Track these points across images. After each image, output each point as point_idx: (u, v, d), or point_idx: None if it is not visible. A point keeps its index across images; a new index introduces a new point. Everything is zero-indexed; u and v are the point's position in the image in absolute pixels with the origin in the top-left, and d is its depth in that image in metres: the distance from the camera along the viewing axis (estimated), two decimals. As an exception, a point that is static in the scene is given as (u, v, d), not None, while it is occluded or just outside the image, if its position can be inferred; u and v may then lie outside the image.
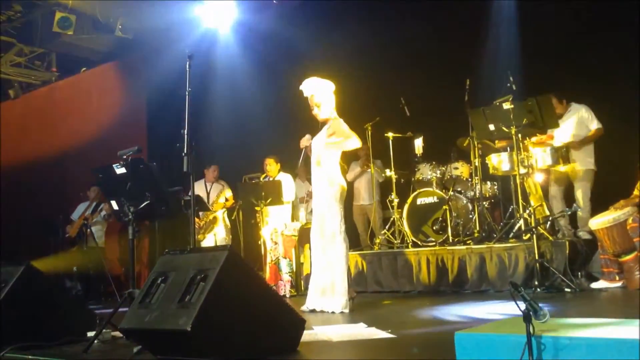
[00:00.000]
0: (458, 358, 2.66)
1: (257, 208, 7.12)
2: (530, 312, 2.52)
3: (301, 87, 5.15)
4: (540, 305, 2.61)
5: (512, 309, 2.70)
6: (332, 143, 5.04)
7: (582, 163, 6.09)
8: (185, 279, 2.98)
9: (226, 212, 8.06)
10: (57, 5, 8.98)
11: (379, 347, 3.35)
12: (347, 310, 4.92)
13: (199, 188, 8.03)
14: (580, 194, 6.13)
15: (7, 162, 10.47)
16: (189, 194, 7.35)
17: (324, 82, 5.15)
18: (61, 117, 10.91)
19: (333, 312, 4.90)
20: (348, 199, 7.72)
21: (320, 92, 5.11)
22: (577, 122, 6.13)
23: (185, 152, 3.80)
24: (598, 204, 5.83)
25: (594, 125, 6.09)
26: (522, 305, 2.49)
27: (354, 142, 5.09)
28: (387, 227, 7.39)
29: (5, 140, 10.70)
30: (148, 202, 3.78)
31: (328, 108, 5.13)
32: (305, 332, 3.48)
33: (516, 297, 2.53)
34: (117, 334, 3.68)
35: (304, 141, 5.20)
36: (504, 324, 2.83)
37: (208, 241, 7.83)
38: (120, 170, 3.84)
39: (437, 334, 3.59)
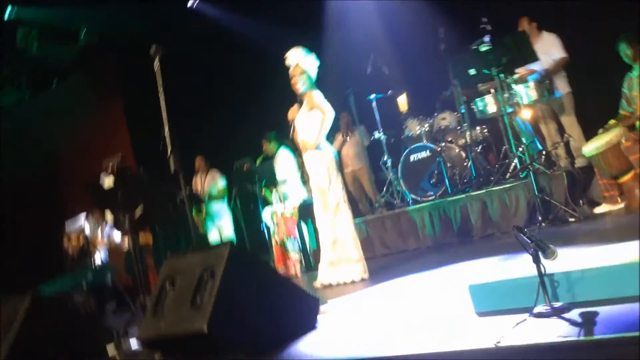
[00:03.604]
0: (476, 310, 2.67)
1: (264, 194, 7.11)
2: (539, 253, 2.53)
3: (286, 55, 5.10)
4: (547, 243, 2.62)
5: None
6: (316, 125, 5.05)
7: (561, 87, 6.06)
8: (193, 280, 2.97)
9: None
10: (17, 20, 8.75)
11: (397, 308, 3.37)
12: (366, 276, 4.96)
13: (197, 181, 8.01)
14: (568, 122, 6.11)
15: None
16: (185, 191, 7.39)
17: (310, 55, 5.11)
18: (43, 132, 10.75)
19: (353, 281, 4.93)
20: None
21: (303, 63, 5.07)
22: (560, 47, 6.08)
23: (169, 153, 3.75)
24: (589, 129, 5.80)
25: (559, 54, 6.05)
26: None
27: (330, 115, 5.08)
28: (384, 188, 7.37)
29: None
30: (142, 208, 3.74)
31: (308, 81, 5.08)
32: (322, 307, 3.51)
33: (522, 240, 2.53)
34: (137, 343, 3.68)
35: (293, 113, 5.17)
36: (513, 267, 2.83)
37: (213, 236, 7.83)
38: (108, 181, 3.79)
39: (452, 288, 3.59)
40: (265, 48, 7.18)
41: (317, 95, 5.08)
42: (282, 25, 7.74)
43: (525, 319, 2.26)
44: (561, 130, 6.21)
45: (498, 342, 2.07)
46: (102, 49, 9.67)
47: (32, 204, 10.21)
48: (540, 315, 2.31)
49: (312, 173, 5.17)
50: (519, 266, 3.20)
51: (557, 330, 2.17)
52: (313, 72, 5.11)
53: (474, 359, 2.06)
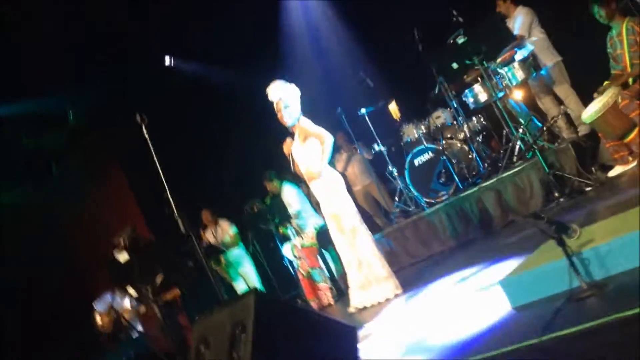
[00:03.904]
0: (513, 305, 2.61)
1: (281, 231, 7.10)
2: (562, 234, 2.48)
3: (267, 91, 5.10)
4: (567, 221, 2.57)
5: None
6: (316, 153, 5.05)
7: (548, 59, 6.03)
8: (226, 337, 2.92)
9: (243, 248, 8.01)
10: (2, 117, 8.88)
11: (436, 319, 3.31)
12: (399, 291, 4.89)
13: (208, 235, 7.99)
14: (562, 92, 6.07)
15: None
16: (202, 245, 7.38)
17: (290, 85, 5.10)
18: (52, 220, 10.79)
19: (387, 300, 4.86)
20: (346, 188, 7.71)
21: (286, 96, 5.06)
22: (521, 24, 6.06)
23: (175, 214, 3.74)
24: (589, 95, 5.74)
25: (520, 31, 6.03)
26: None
27: (329, 140, 5.06)
28: (396, 198, 7.32)
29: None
30: (162, 276, 3.72)
31: (295, 112, 5.08)
32: (360, 333, 3.45)
33: (542, 226, 2.48)
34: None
35: (288, 146, 5.15)
36: (539, 254, 2.78)
37: (240, 286, 7.80)
38: (123, 257, 3.79)
39: (484, 286, 3.53)
40: (245, 89, 7.25)
41: (308, 124, 5.07)
42: (255, 63, 7.85)
43: (562, 309, 2.20)
44: (559, 101, 6.17)
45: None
46: (93, 125, 9.77)
47: (57, 294, 10.17)
48: (578, 298, 2.25)
49: (322, 200, 5.15)
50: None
51: (598, 309, 2.11)
52: (297, 102, 5.09)
53: (519, 358, 2.00)
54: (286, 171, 5.43)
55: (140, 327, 8.39)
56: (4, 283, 9.65)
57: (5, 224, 10.31)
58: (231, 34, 8.57)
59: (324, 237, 7.06)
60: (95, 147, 10.53)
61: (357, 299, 5.06)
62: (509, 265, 3.70)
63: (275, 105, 5.09)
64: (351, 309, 5.10)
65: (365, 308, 4.99)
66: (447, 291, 4.01)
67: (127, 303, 8.26)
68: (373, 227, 7.65)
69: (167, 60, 9.23)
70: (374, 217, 8.25)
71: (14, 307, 9.67)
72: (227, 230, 7.94)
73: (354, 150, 7.84)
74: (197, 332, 3.17)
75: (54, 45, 7.91)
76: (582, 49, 6.13)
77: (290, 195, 7.19)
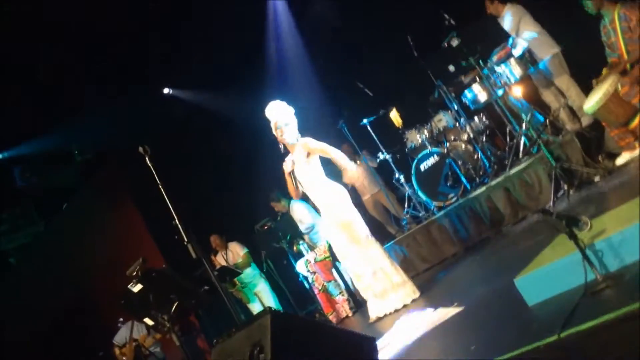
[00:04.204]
0: (530, 303, 2.59)
1: (295, 248, 7.11)
2: (572, 228, 2.45)
3: (266, 112, 5.12)
4: (577, 214, 2.55)
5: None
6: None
7: (545, 52, 6.00)
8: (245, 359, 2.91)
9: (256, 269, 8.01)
10: (11, 160, 8.99)
11: (453, 324, 3.28)
12: (417, 295, 4.87)
13: (219, 259, 8.00)
14: (563, 83, 6.04)
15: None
16: (216, 269, 7.38)
17: (286, 105, 5.13)
18: (67, 257, 10.83)
19: (405, 305, 4.83)
20: (356, 198, 7.72)
21: (284, 115, 5.08)
22: (510, 23, 6.05)
23: (185, 241, 3.75)
24: (585, 85, 5.72)
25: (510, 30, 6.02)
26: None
27: (333, 149, 5.10)
28: (405, 204, 7.30)
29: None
30: (177, 303, 3.72)
31: (295, 130, 5.09)
32: (379, 342, 3.43)
33: (552, 221, 2.46)
34: None
35: (289, 166, 5.14)
36: (552, 250, 2.75)
37: (257, 307, 7.79)
38: (137, 288, 3.79)
39: (500, 286, 3.50)
40: (244, 112, 7.32)
41: (309, 140, 5.08)
42: (252, 86, 7.92)
43: (579, 304, 2.17)
44: (560, 94, 6.14)
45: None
46: (101, 160, 9.85)
47: (77, 333, 10.15)
48: (594, 291, 2.23)
49: (329, 210, 5.09)
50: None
51: (616, 300, 2.08)
52: (295, 120, 5.11)
53: (540, 357, 1.98)
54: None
55: (161, 354, 8.41)
56: (23, 328, 9.70)
57: (20, 265, 10.39)
58: (226, 59, 8.67)
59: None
60: (105, 182, 10.60)
61: (375, 309, 5.04)
62: (523, 263, 3.68)
63: (274, 125, 5.10)
64: (371, 319, 5.07)
65: (385, 316, 4.96)
66: (465, 294, 3.98)
67: (145, 332, 8.28)
68: (385, 235, 7.65)
69: (166, 90, 9.33)
70: (385, 225, 8.24)
71: (36, 351, 9.71)
72: (238, 252, 7.94)
73: (358, 160, 7.85)
74: (216, 357, 3.16)
75: (55, 84, 8.03)
76: (578, 38, 6.11)
77: (300, 211, 7.20)
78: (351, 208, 5.08)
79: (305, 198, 5.58)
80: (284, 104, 5.12)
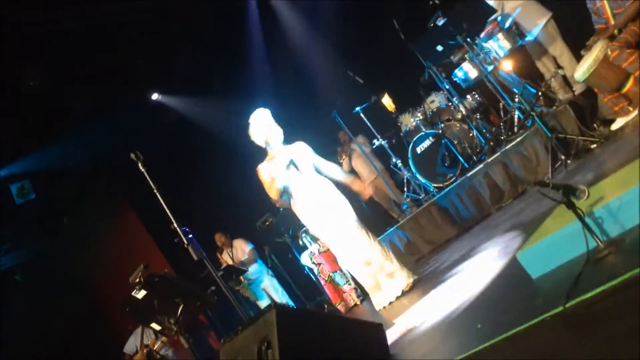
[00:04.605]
0: (533, 276, 2.57)
1: (300, 241, 7.12)
2: (570, 197, 2.43)
3: (252, 120, 5.07)
4: (574, 183, 2.52)
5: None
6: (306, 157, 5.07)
7: (536, 21, 5.94)
8: (253, 356, 2.91)
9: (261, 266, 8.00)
10: (6, 178, 8.97)
11: (459, 304, 3.26)
12: (412, 279, 4.84)
13: (225, 257, 7.99)
14: (557, 50, 5.98)
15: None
16: (221, 269, 7.38)
17: (267, 112, 5.07)
18: (72, 270, 10.80)
19: (403, 292, 4.81)
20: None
21: (268, 121, 5.03)
22: None
23: (185, 244, 3.74)
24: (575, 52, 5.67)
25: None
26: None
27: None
28: (405, 188, 7.28)
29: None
30: (182, 306, 3.71)
31: (279, 135, 5.04)
32: (389, 331, 3.42)
33: (549, 193, 2.44)
34: None
35: (270, 170, 5.05)
36: (552, 221, 2.73)
37: (265, 303, 7.79)
38: (141, 294, 3.78)
39: (504, 262, 3.48)
40: (237, 109, 7.28)
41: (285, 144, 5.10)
42: (244, 83, 7.88)
43: (582, 272, 2.14)
44: (555, 62, 6.10)
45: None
46: (98, 171, 9.82)
47: (88, 347, 10.10)
48: (597, 259, 2.21)
49: (324, 201, 5.03)
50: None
51: (619, 266, 2.06)
52: (277, 126, 5.07)
53: (547, 328, 1.96)
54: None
55: (173, 356, 8.41)
56: (32, 345, 9.69)
57: (26, 282, 10.38)
58: (213, 59, 8.64)
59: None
60: (104, 192, 10.58)
61: (378, 300, 5.01)
62: (526, 237, 3.66)
63: (264, 130, 5.01)
64: (378, 309, 5.05)
65: (390, 304, 4.94)
66: (469, 272, 3.97)
67: (153, 337, 8.28)
68: (388, 221, 7.64)
69: (155, 96, 9.30)
70: (388, 210, 8.22)
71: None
72: (243, 249, 7.95)
73: (354, 146, 7.82)
74: (224, 356, 3.16)
75: (43, 99, 7.99)
76: (565, 6, 6.06)
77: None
78: (342, 197, 5.05)
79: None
80: (264, 110, 5.07)
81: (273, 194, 4.98)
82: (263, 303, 7.83)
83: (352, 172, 8.16)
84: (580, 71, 4.86)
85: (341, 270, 6.78)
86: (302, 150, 5.09)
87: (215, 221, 8.63)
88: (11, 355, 10.37)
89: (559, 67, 5.96)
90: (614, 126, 5.02)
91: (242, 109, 5.75)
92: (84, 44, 7.44)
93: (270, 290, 7.86)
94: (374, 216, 8.64)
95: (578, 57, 5.67)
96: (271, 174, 4.94)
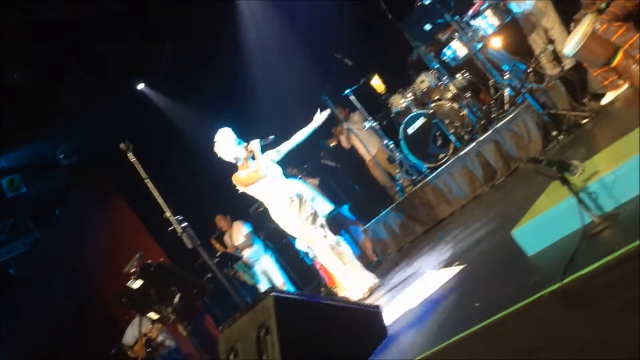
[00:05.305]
0: (529, 254, 2.57)
1: None
2: (564, 173, 2.43)
3: (216, 141, 5.24)
4: (567, 159, 2.52)
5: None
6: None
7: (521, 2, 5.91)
8: (252, 342, 2.91)
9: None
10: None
11: (456, 284, 3.28)
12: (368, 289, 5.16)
13: (227, 239, 8.03)
14: (549, 21, 5.94)
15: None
16: (216, 256, 7.37)
17: (228, 131, 5.24)
18: (66, 262, 10.76)
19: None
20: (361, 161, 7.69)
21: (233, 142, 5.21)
22: None
23: (179, 232, 3.72)
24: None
25: None
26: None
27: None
28: (397, 170, 7.24)
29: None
30: (179, 295, 3.71)
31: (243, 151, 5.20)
32: (386, 313, 3.42)
33: (543, 170, 2.44)
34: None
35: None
36: (547, 198, 2.73)
37: (263, 286, 7.81)
38: (136, 284, 3.77)
39: (499, 240, 3.49)
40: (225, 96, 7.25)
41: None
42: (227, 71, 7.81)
43: (578, 248, 2.14)
44: (546, 36, 6.08)
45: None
46: (87, 161, 9.76)
47: (83, 338, 10.08)
48: (592, 234, 2.21)
49: (284, 195, 5.22)
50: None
51: (614, 240, 2.07)
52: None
53: (544, 304, 1.97)
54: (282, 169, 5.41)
55: (173, 343, 8.43)
56: (29, 339, 9.67)
57: (20, 275, 10.33)
58: (200, 47, 8.56)
59: (335, 223, 7.04)
60: (95, 183, 10.51)
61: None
62: (520, 214, 3.67)
63: (229, 149, 5.18)
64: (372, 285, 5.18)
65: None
66: (464, 252, 3.98)
67: (150, 325, 8.28)
68: (384, 201, 7.58)
69: (140, 86, 9.23)
70: (388, 188, 8.13)
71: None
72: (241, 231, 7.95)
73: (349, 126, 7.76)
74: (223, 343, 3.15)
75: (30, 91, 7.90)
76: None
77: (297, 188, 7.16)
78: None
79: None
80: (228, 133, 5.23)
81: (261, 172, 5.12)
82: (262, 287, 7.84)
83: (352, 149, 8.14)
84: (570, 46, 4.84)
85: (336, 254, 6.78)
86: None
87: (209, 208, 8.59)
88: (8, 349, 10.37)
89: (550, 41, 5.93)
90: (604, 100, 5.02)
91: (231, 92, 5.74)
92: (70, 35, 7.35)
93: (271, 273, 7.86)
94: (367, 198, 8.64)
95: (569, 31, 5.65)
96: (249, 170, 5.15)
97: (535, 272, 2.39)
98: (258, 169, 5.05)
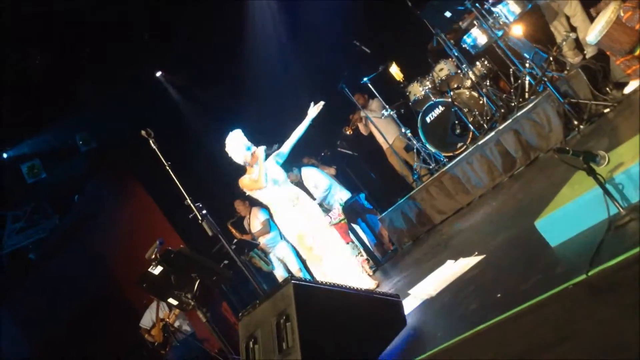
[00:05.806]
0: (553, 244, 2.55)
1: None
2: (590, 163, 2.40)
3: (227, 144, 5.34)
4: (594, 150, 2.49)
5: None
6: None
7: None
8: (272, 330, 2.93)
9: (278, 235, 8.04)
10: (17, 158, 9.01)
11: (476, 274, 3.26)
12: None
13: (245, 225, 8.08)
14: (572, 8, 5.85)
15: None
16: (233, 242, 7.42)
17: (239, 133, 5.35)
18: (85, 249, 10.90)
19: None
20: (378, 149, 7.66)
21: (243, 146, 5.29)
22: None
23: (200, 219, 3.75)
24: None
25: None
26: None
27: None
28: (415, 158, 7.21)
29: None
30: (198, 281, 3.74)
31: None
32: (405, 301, 3.43)
33: (568, 159, 2.41)
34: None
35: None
36: (570, 188, 2.70)
37: (279, 272, 7.85)
38: (157, 270, 3.80)
39: (520, 230, 3.46)
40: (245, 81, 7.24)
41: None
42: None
43: (604, 240, 2.12)
44: (568, 24, 5.99)
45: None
46: (106, 148, 9.84)
47: (103, 321, 10.19)
48: (618, 225, 2.18)
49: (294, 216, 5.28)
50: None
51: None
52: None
53: (569, 297, 1.95)
54: (298, 158, 5.50)
55: (189, 329, 8.54)
56: (48, 324, 9.82)
57: (40, 260, 10.48)
58: (222, 31, 8.55)
59: (350, 212, 7.04)
60: (114, 169, 10.61)
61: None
62: (541, 205, 3.64)
63: (239, 152, 5.29)
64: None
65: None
66: (483, 242, 3.96)
67: (167, 310, 8.40)
68: (401, 189, 7.55)
69: (159, 73, 9.26)
70: (405, 177, 8.09)
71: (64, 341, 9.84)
72: (258, 217, 7.99)
73: (367, 114, 7.71)
74: (243, 330, 3.18)
75: (49, 78, 7.96)
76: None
77: (314, 176, 7.18)
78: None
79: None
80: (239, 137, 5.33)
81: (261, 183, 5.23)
82: (277, 273, 7.88)
83: (369, 136, 8.10)
84: (593, 34, 4.76)
85: (352, 242, 6.80)
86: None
87: (222, 196, 8.63)
88: (27, 333, 10.55)
89: (572, 28, 5.84)
90: (627, 89, 4.94)
91: (250, 80, 5.75)
92: (90, 22, 7.38)
93: (287, 259, 7.89)
94: (384, 187, 8.61)
95: (591, 18, 5.56)
96: (252, 177, 5.25)
97: (560, 263, 2.37)
98: (259, 179, 5.17)
